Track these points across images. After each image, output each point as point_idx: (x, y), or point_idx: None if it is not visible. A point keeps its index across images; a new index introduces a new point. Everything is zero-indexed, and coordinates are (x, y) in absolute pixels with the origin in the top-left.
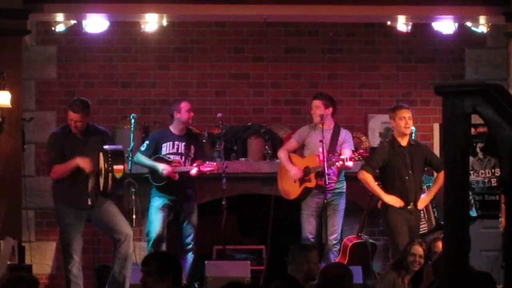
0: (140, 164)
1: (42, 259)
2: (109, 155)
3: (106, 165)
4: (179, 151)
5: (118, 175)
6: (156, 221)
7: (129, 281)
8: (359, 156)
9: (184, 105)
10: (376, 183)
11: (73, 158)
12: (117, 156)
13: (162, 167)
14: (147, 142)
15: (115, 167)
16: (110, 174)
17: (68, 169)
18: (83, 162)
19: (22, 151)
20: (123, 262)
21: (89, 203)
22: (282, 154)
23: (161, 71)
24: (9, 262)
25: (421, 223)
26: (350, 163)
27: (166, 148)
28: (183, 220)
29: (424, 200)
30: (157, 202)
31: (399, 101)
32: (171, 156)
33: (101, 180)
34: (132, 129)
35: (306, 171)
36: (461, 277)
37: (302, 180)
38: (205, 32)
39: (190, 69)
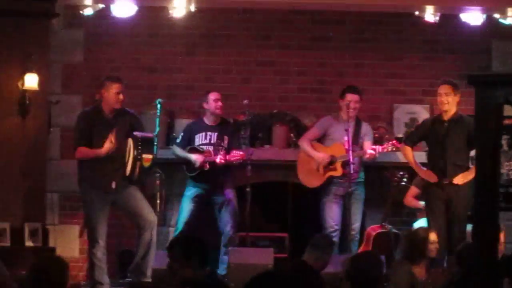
0: (176, 156)
1: (65, 242)
2: (139, 143)
3: (135, 152)
4: (212, 141)
5: (146, 164)
6: (185, 211)
7: (151, 269)
8: (392, 147)
9: (211, 95)
10: None
11: (100, 148)
12: (148, 145)
13: (195, 158)
14: (181, 134)
15: (144, 156)
16: (138, 163)
17: (93, 156)
18: (109, 147)
19: (47, 133)
20: (147, 250)
21: (113, 186)
22: (304, 143)
23: (187, 57)
24: (32, 244)
25: None
26: (377, 155)
27: (199, 139)
28: (219, 209)
29: (463, 176)
30: (189, 192)
31: (424, 92)
32: (204, 147)
33: (128, 166)
34: (158, 114)
35: (332, 159)
36: (489, 267)
37: (326, 169)
38: (231, 19)
39: (216, 56)
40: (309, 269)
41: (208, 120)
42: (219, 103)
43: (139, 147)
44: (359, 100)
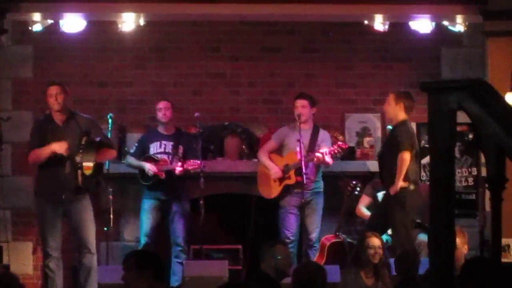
0: (130, 166)
1: (19, 259)
2: (81, 150)
3: (78, 158)
4: (166, 150)
5: (87, 172)
6: (145, 225)
7: None
8: (338, 149)
9: (158, 105)
10: None
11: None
12: (90, 152)
13: (148, 167)
14: (135, 144)
15: (84, 164)
16: (79, 171)
17: (43, 154)
18: (59, 147)
19: None
20: (88, 275)
21: (63, 197)
22: (261, 154)
23: (137, 70)
24: None
25: None
26: (328, 159)
27: (153, 148)
28: (172, 219)
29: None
30: (146, 205)
31: (375, 101)
32: (159, 156)
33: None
34: (109, 128)
35: (286, 169)
36: (446, 273)
37: (282, 178)
38: (181, 31)
39: (166, 69)
40: (270, 280)
41: (162, 129)
42: (163, 112)
43: (81, 155)
44: (306, 105)
